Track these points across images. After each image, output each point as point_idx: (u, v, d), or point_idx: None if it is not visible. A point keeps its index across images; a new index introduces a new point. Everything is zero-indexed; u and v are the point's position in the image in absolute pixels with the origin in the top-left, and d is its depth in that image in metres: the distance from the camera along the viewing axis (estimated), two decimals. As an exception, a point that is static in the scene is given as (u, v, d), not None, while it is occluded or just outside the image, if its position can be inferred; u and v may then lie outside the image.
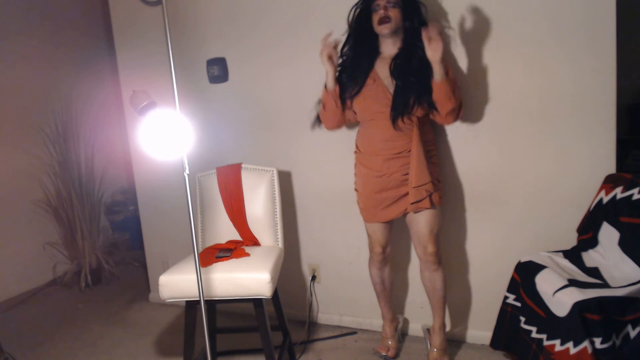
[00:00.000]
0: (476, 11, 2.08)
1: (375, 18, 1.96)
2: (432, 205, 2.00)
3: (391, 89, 1.97)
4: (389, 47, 2.02)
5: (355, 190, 2.19)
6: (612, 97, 1.93)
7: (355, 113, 2.09)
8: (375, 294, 2.31)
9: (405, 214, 2.08)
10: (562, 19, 1.96)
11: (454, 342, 2.34)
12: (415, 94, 1.91)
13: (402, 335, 2.46)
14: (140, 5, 2.82)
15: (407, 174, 2.00)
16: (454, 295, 2.33)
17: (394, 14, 1.93)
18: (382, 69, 2.01)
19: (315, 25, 2.37)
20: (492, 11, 2.06)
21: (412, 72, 1.92)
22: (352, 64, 2.04)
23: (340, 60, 2.10)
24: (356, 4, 2.05)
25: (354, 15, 2.06)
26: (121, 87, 3.06)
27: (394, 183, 2.03)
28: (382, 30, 1.95)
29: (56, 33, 3.77)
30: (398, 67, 1.95)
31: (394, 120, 1.94)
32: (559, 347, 1.60)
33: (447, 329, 2.32)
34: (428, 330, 2.28)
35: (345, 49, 2.09)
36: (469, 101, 2.15)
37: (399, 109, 1.93)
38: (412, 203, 1.99)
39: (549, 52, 2.00)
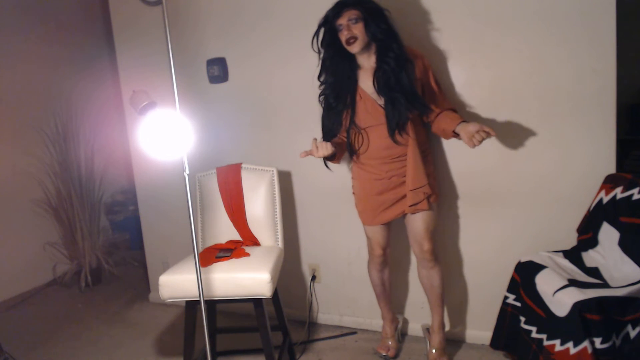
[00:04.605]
0: (476, 11, 2.08)
1: (342, 38, 1.93)
2: (430, 206, 2.01)
3: (379, 102, 1.97)
4: (366, 60, 2.00)
5: (353, 193, 2.20)
6: (612, 97, 1.93)
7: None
8: (375, 295, 2.31)
9: (403, 215, 2.08)
10: (562, 18, 1.96)
11: (453, 342, 2.34)
12: (404, 107, 1.90)
13: (402, 335, 2.46)
14: (140, 5, 2.81)
15: (405, 175, 2.01)
16: (454, 295, 2.33)
17: (359, 29, 1.89)
18: (365, 83, 1.99)
19: (315, 25, 2.36)
20: (492, 11, 2.06)
21: (395, 88, 1.91)
22: (336, 87, 2.01)
23: (322, 87, 2.07)
24: (317, 30, 2.02)
25: (318, 40, 2.03)
26: (121, 87, 3.06)
27: (392, 185, 2.04)
28: (352, 49, 1.93)
29: (56, 33, 3.77)
30: (381, 83, 1.93)
31: (392, 136, 1.96)
32: (559, 347, 1.60)
33: (447, 328, 2.32)
34: (428, 329, 2.28)
35: (324, 76, 2.06)
36: (468, 101, 2.15)
37: (393, 127, 1.94)
38: (410, 206, 2.00)
39: (549, 52, 2.00)
